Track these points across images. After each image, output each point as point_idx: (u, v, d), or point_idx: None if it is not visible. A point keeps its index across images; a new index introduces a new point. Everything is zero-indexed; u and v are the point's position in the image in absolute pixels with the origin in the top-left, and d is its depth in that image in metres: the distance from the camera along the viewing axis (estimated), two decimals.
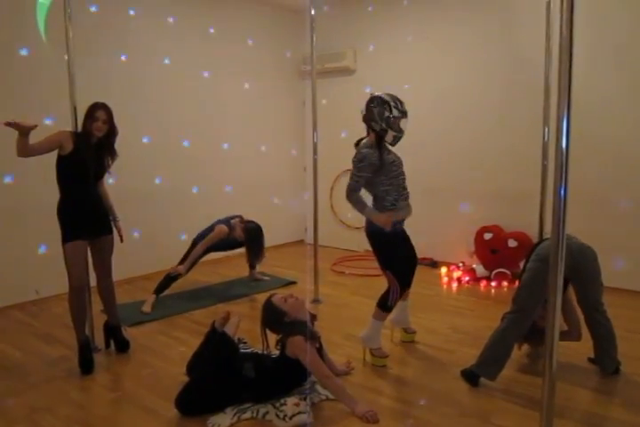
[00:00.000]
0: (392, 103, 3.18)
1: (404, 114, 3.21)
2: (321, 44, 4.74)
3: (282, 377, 2.86)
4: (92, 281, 3.59)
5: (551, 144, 2.87)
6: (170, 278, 4.62)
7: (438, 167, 5.83)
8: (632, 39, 4.54)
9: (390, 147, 3.33)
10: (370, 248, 3.37)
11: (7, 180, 4.45)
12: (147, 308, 4.44)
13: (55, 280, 4.31)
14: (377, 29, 6.20)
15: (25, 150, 3.06)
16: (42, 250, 4.59)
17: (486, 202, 5.56)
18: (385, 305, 3.34)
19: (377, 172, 3.20)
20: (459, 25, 5.55)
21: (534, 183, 4.25)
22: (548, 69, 3.94)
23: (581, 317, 3.22)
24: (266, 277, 5.39)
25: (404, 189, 3.33)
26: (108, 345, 3.69)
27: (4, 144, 3.33)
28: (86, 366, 3.34)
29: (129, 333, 3.88)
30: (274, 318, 2.96)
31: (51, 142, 3.20)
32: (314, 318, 3.11)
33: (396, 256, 3.31)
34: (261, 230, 4.85)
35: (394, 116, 3.17)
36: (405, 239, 3.44)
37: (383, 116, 3.18)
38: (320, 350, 3.03)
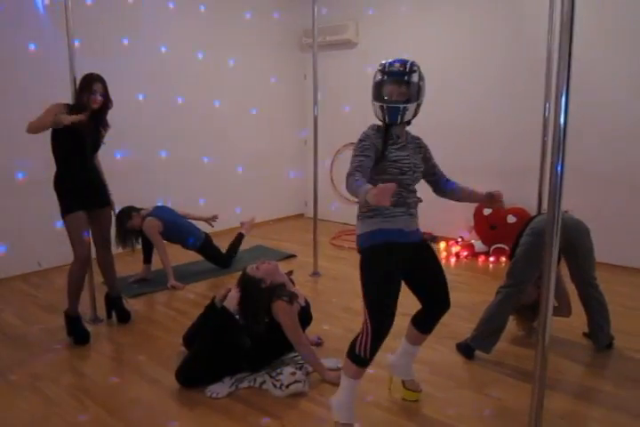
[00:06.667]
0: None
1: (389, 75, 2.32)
2: (323, 16, 4.67)
3: (275, 341, 2.94)
4: (92, 253, 3.61)
5: (551, 120, 2.85)
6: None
7: (437, 142, 5.68)
8: (634, 12, 4.49)
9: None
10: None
11: (6, 154, 4.47)
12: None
13: (57, 252, 4.36)
14: (379, 1, 6.10)
15: (39, 131, 3.14)
16: (45, 222, 4.62)
17: (485, 178, 5.53)
18: (352, 354, 2.27)
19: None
20: None
21: (534, 159, 4.23)
22: (551, 44, 3.89)
23: (572, 292, 3.25)
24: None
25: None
26: (109, 316, 3.76)
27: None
28: (84, 336, 3.40)
29: (130, 304, 3.94)
30: (251, 287, 2.95)
31: (51, 116, 3.15)
32: (290, 274, 3.21)
33: (371, 280, 2.39)
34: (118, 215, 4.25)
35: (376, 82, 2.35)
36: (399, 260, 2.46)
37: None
38: (308, 309, 3.13)
